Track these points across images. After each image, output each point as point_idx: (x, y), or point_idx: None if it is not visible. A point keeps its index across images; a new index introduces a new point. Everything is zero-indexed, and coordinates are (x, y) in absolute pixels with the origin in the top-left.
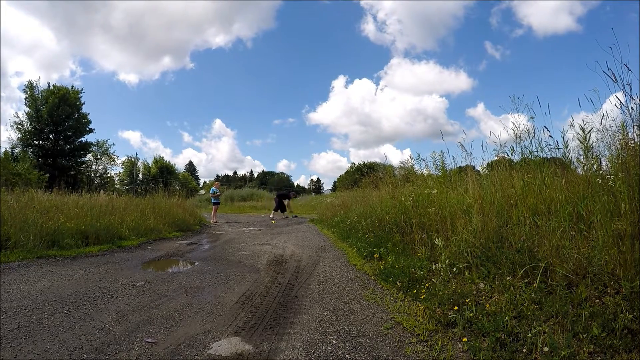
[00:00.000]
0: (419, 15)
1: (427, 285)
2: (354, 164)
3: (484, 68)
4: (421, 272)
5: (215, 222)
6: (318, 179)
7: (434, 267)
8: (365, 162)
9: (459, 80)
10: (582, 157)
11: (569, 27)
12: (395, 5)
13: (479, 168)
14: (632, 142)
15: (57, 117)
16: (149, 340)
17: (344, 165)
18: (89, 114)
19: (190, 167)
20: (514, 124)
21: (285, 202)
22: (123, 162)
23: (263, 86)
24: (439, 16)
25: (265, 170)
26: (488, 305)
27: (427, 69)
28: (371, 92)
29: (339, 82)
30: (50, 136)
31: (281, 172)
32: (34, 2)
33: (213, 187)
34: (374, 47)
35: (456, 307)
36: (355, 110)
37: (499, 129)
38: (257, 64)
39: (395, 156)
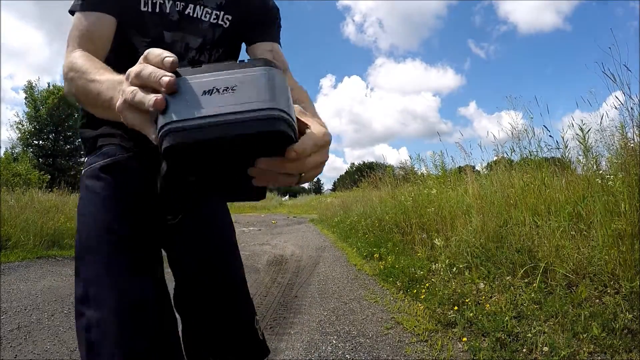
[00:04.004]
0: (399, 15)
1: (427, 285)
2: (354, 164)
3: (469, 66)
4: (421, 272)
5: None
6: (318, 179)
7: (433, 267)
8: (365, 162)
9: (447, 78)
10: (581, 157)
11: (556, 24)
12: (374, 6)
13: (478, 168)
14: (632, 142)
15: (56, 117)
16: None
17: (340, 165)
18: None
19: None
20: (511, 124)
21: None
22: None
23: None
24: (418, 16)
25: None
26: (488, 305)
27: (412, 67)
28: (361, 91)
29: (327, 82)
30: (50, 136)
31: None
32: (24, 6)
33: None
34: (357, 49)
35: (456, 307)
36: (346, 110)
37: (497, 129)
38: None
39: (391, 155)
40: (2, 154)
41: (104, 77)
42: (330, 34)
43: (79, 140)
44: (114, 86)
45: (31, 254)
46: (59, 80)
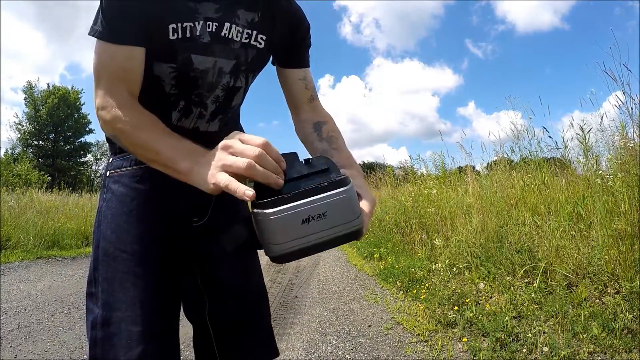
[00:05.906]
0: (396, 15)
1: (427, 285)
2: None
3: (467, 66)
4: (421, 272)
5: None
6: None
7: (433, 267)
8: (365, 162)
9: (445, 78)
10: (581, 157)
11: (554, 24)
12: (370, 6)
13: (478, 168)
14: (632, 142)
15: (56, 118)
16: None
17: None
18: (88, 114)
19: None
20: (512, 124)
21: None
22: None
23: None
24: (415, 16)
25: None
26: (488, 305)
27: (410, 67)
28: (360, 91)
29: (325, 82)
30: (50, 136)
31: None
32: (23, 6)
33: None
34: (355, 49)
35: (456, 307)
36: (345, 110)
37: (497, 130)
38: None
39: (391, 155)
40: (2, 155)
41: (163, 140)
42: (327, 35)
43: (79, 140)
44: (182, 153)
45: (31, 254)
46: (58, 81)
